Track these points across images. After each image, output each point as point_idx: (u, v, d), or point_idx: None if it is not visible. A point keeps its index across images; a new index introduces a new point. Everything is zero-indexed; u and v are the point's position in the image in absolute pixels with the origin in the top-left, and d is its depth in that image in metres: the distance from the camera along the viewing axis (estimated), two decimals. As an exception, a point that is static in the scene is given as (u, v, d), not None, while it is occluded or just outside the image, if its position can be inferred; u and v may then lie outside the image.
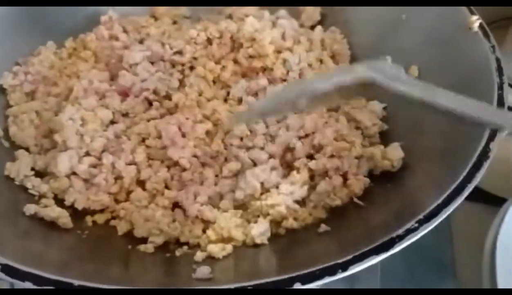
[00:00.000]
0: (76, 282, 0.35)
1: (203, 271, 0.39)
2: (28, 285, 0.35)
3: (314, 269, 0.33)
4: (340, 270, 0.33)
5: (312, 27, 0.66)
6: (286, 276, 0.33)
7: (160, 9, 0.69)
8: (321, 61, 0.60)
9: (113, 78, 0.59)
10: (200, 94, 0.57)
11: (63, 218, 0.46)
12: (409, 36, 0.58)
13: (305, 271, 0.33)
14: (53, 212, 0.45)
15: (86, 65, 0.61)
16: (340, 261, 0.34)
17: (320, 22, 0.67)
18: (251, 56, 0.58)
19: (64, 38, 0.64)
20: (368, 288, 0.56)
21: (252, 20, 0.60)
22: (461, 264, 0.72)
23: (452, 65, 0.52)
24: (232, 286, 0.33)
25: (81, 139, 0.50)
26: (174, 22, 0.68)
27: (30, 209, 0.45)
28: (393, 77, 0.38)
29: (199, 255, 0.43)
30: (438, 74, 0.52)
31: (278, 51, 0.59)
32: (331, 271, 0.33)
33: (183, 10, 0.70)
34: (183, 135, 0.51)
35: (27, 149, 0.52)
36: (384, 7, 0.60)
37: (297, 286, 0.32)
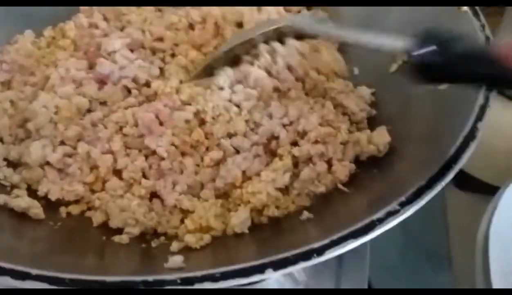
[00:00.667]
0: (50, 274, 0.33)
1: (176, 259, 0.37)
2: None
3: (288, 254, 0.31)
4: (315, 255, 0.31)
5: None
6: (258, 262, 0.31)
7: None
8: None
9: (91, 66, 0.57)
10: (180, 82, 0.55)
11: (35, 208, 0.44)
12: (397, 14, 0.56)
13: (278, 257, 0.31)
14: (24, 202, 0.43)
15: (64, 53, 0.59)
16: (315, 245, 0.32)
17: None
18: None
19: (42, 27, 0.62)
20: (356, 281, 0.53)
21: (238, 7, 0.58)
22: (456, 255, 0.70)
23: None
24: (199, 273, 0.31)
25: (55, 127, 0.48)
26: (157, 11, 0.66)
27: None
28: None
29: (175, 245, 0.41)
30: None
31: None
32: (305, 256, 0.31)
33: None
34: (161, 123, 0.49)
35: (0, 139, 0.51)
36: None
37: (269, 272, 0.30)
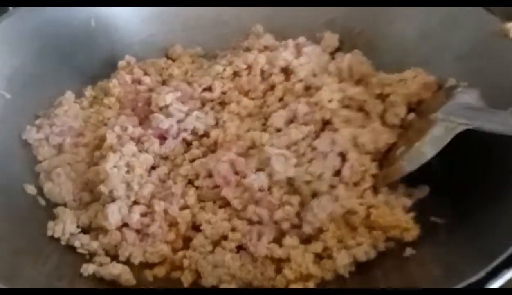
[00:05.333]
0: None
1: None
2: None
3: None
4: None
5: (332, 53, 0.65)
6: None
7: (177, 51, 0.67)
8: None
9: (141, 122, 0.56)
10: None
11: (126, 274, 0.41)
12: (435, 50, 0.58)
13: None
14: (115, 269, 0.41)
15: (111, 112, 0.58)
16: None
17: (338, 49, 0.66)
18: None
19: (80, 87, 0.61)
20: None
21: (284, 53, 0.58)
22: None
23: (490, 75, 0.52)
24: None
25: (128, 187, 0.47)
26: (192, 62, 0.66)
27: (88, 269, 0.41)
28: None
29: (285, 297, 0.40)
30: (476, 85, 0.51)
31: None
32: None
33: (198, 49, 0.68)
34: (236, 173, 0.47)
35: (64, 205, 0.48)
36: (406, 23, 0.60)
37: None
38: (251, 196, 0.46)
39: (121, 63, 0.63)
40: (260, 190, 0.46)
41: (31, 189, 0.48)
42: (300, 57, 0.60)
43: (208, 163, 0.49)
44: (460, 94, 0.48)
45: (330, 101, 0.53)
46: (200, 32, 0.69)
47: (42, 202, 0.48)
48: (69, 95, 0.59)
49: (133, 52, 0.65)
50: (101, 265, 0.42)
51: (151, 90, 0.59)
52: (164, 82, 0.61)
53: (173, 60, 0.66)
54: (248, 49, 0.66)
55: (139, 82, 0.60)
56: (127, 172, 0.48)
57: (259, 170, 0.48)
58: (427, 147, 0.45)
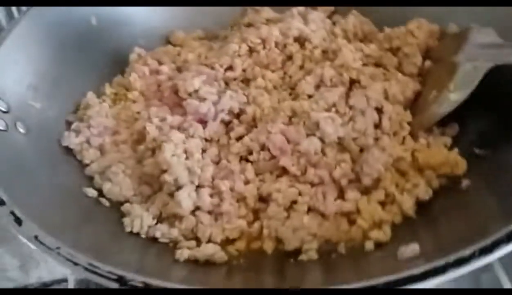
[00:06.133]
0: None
1: (414, 247, 0.39)
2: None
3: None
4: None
5: (329, 18, 0.68)
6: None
7: (180, 36, 0.67)
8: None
9: (171, 111, 0.57)
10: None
11: (218, 252, 0.43)
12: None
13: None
14: (208, 249, 0.43)
15: (138, 105, 0.58)
16: None
17: (334, 12, 0.69)
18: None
19: (97, 86, 0.60)
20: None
21: (297, 22, 0.60)
22: None
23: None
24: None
25: (189, 173, 0.48)
26: (201, 45, 0.66)
27: (183, 254, 0.42)
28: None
29: (368, 245, 0.43)
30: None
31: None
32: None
33: (199, 32, 0.69)
34: (288, 141, 0.50)
35: (127, 201, 0.49)
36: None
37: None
38: (308, 160, 0.49)
39: (133, 56, 0.63)
40: (315, 153, 0.49)
41: (91, 192, 0.48)
42: (309, 25, 0.62)
43: (259, 137, 0.51)
44: (476, 35, 0.53)
45: (355, 61, 0.56)
46: (197, 13, 0.70)
47: (106, 203, 0.48)
48: (91, 95, 0.58)
49: (137, 44, 0.65)
50: (188, 249, 0.44)
51: (170, 78, 0.60)
52: (179, 69, 0.62)
53: (179, 46, 0.67)
54: (250, 25, 0.67)
55: (156, 72, 0.61)
56: (186, 158, 0.49)
57: (308, 135, 0.51)
58: (461, 89, 0.49)
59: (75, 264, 0.34)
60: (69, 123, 0.55)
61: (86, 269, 0.34)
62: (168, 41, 0.68)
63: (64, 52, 0.59)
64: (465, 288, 0.54)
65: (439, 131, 0.53)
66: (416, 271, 0.34)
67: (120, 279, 0.33)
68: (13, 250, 0.59)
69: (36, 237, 0.35)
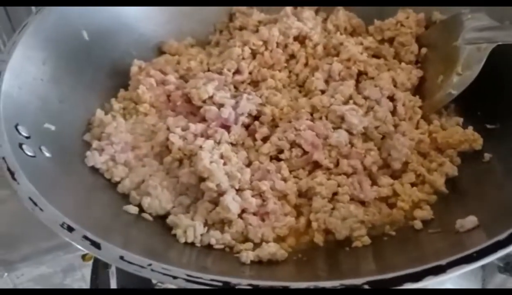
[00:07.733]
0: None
1: (472, 219, 0.41)
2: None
3: None
4: None
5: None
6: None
7: (173, 45, 0.67)
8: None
9: (187, 119, 0.56)
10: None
11: (279, 250, 0.44)
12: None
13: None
14: (271, 248, 0.43)
15: (152, 118, 0.57)
16: None
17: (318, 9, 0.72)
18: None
19: (102, 103, 0.59)
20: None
21: (295, 21, 0.62)
22: None
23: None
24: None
25: (229, 177, 0.48)
26: (199, 52, 0.66)
27: (249, 256, 0.43)
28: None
29: (417, 224, 0.46)
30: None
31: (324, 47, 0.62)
32: None
33: (190, 39, 0.69)
34: (318, 136, 0.51)
35: (168, 214, 0.48)
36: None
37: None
38: (340, 152, 0.51)
39: (134, 69, 0.61)
40: (345, 145, 0.51)
41: (133, 209, 0.47)
42: (306, 23, 0.64)
43: (287, 135, 0.52)
44: (470, 19, 0.57)
45: (361, 53, 0.58)
46: (185, 21, 0.69)
47: (149, 217, 0.47)
48: (100, 113, 0.57)
49: (131, 56, 0.64)
50: (249, 250, 0.44)
51: (178, 87, 0.59)
52: (183, 77, 0.62)
53: (175, 55, 0.66)
54: (242, 28, 0.68)
55: (163, 82, 0.60)
56: (224, 163, 0.49)
57: (334, 128, 0.52)
58: (468, 70, 0.53)
59: (174, 277, 0.33)
60: (86, 143, 0.53)
61: (188, 280, 0.33)
62: (161, 51, 0.67)
63: (62, 70, 0.56)
64: (466, 288, 0.57)
65: (446, 112, 0.56)
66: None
67: (225, 285, 0.33)
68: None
69: (122, 258, 0.34)
